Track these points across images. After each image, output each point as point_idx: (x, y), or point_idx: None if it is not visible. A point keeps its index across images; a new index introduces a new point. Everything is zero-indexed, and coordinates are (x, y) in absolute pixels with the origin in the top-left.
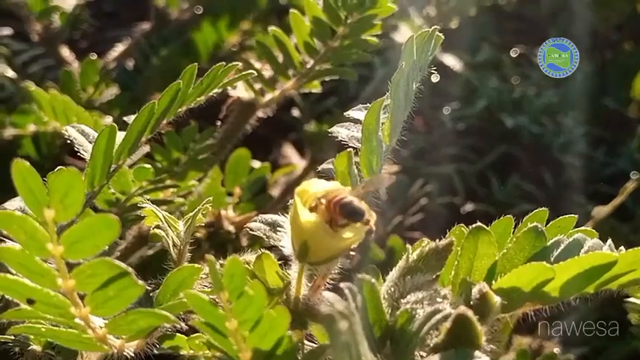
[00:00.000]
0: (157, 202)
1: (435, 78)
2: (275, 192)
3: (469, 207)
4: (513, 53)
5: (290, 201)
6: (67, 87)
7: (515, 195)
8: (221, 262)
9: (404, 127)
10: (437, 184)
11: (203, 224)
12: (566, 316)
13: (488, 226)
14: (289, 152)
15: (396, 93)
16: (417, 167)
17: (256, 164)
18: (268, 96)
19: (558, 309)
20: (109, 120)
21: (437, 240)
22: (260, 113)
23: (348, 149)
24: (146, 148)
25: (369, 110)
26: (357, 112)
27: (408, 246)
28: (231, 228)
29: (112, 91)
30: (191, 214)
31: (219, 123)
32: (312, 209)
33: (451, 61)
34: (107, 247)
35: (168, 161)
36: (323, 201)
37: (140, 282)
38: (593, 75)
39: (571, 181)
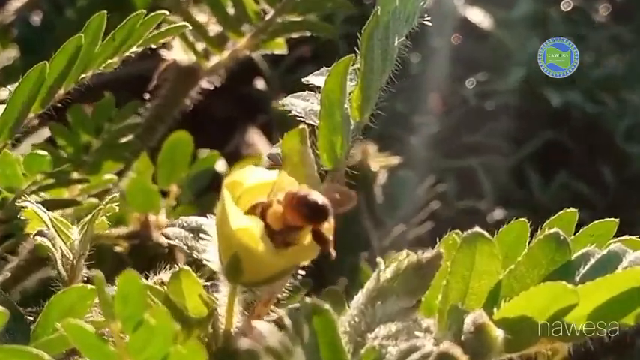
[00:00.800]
0: (58, 204)
1: (454, 39)
2: None
3: (499, 214)
4: (564, 7)
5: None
6: None
7: (563, 198)
8: None
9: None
10: (455, 183)
11: (124, 234)
12: None
13: None
14: (255, 139)
15: (369, 51)
16: (429, 160)
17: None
18: (214, 59)
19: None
20: (4, 94)
21: (419, 251)
22: (204, 82)
23: (301, 127)
24: (45, 132)
25: (330, 74)
26: (316, 77)
27: (379, 260)
28: (164, 239)
29: (10, 54)
30: (89, 216)
31: (147, 96)
32: (247, 210)
33: (478, 16)
34: None
35: (75, 147)
36: (264, 200)
37: (1, 308)
38: None
39: (638, 180)
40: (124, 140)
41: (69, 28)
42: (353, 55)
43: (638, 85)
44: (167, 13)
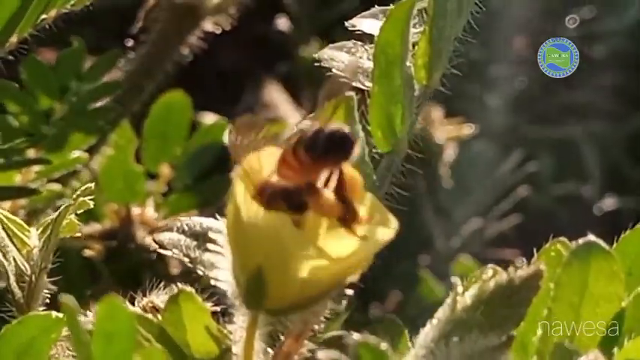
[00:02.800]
0: (7, 192)
1: None
2: None
3: (610, 203)
4: None
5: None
6: None
7: None
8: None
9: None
10: (551, 161)
11: (97, 233)
12: None
13: None
14: (275, 97)
15: None
16: (515, 128)
17: (209, 119)
18: None
19: None
20: None
21: (511, 267)
22: (208, 25)
23: (348, 94)
24: None
25: (388, 20)
26: (367, 21)
27: (456, 280)
28: (150, 241)
29: None
30: (52, 216)
31: (129, 43)
32: (269, 204)
33: None
34: None
35: (31, 115)
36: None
37: None
38: None
39: None
40: (97, 105)
41: None
42: None
43: None
44: None
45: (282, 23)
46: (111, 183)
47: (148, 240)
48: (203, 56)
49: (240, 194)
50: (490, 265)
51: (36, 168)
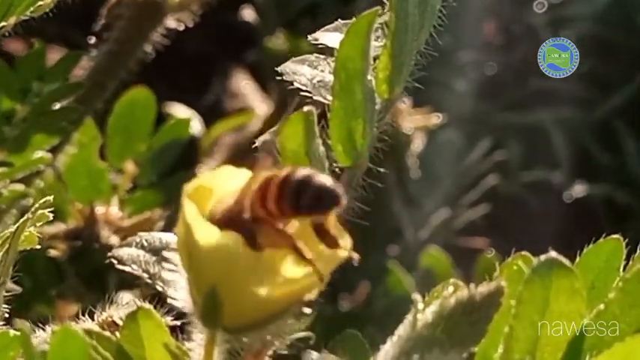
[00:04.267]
0: None
1: None
2: (213, 163)
3: (579, 190)
4: None
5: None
6: None
7: None
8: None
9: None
10: (520, 148)
11: (61, 233)
12: None
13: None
14: (243, 87)
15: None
16: (484, 115)
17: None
18: None
19: None
20: None
21: (471, 285)
22: (171, 22)
23: (307, 108)
24: None
25: (348, 35)
26: (328, 35)
27: (416, 297)
28: (115, 241)
29: None
30: (10, 229)
31: (92, 40)
32: (221, 224)
33: None
34: None
35: None
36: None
37: None
38: None
39: None
40: (60, 106)
41: None
42: (379, 6)
43: None
44: None
45: (248, 14)
46: (75, 181)
47: (113, 240)
48: (169, 46)
49: (191, 214)
50: (452, 281)
51: None
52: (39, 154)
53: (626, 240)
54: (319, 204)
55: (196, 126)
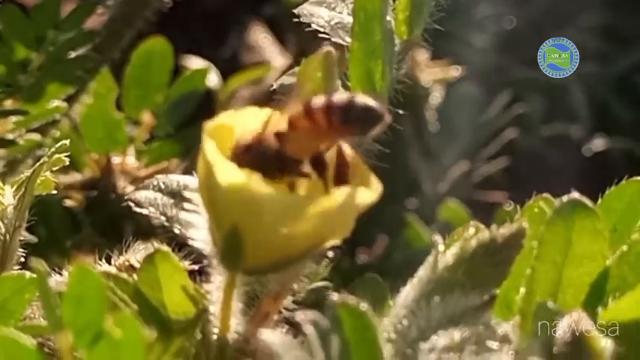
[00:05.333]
0: None
1: None
2: None
3: (599, 144)
4: None
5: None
6: None
7: None
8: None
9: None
10: (539, 101)
11: (78, 183)
12: None
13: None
14: (260, 40)
15: None
16: (503, 68)
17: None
18: None
19: None
20: None
21: (493, 227)
22: None
23: (327, 48)
24: None
25: None
26: None
27: (437, 238)
28: (131, 190)
29: None
30: (25, 173)
31: None
32: (240, 162)
33: None
34: None
35: (7, 65)
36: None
37: None
38: None
39: None
40: (76, 54)
41: None
42: None
43: None
44: None
45: None
46: (91, 132)
47: (129, 189)
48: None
49: (212, 152)
50: (472, 223)
51: (14, 118)
52: (54, 103)
53: None
54: (368, 118)
55: (213, 78)
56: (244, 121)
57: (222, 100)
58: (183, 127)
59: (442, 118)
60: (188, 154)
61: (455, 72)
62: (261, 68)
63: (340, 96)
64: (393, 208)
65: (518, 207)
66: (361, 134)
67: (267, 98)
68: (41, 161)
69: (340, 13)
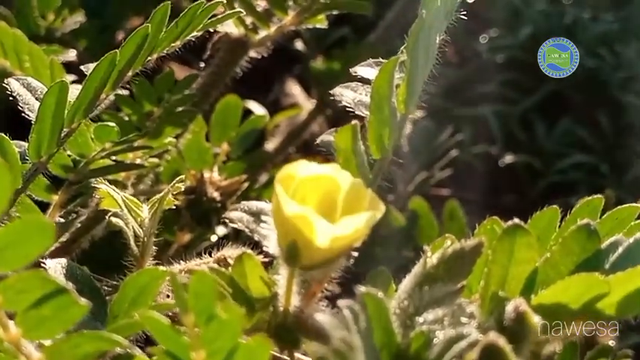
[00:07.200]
0: (124, 167)
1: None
2: (275, 141)
3: (509, 158)
4: None
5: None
6: (22, 14)
7: (566, 143)
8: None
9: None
10: (470, 130)
11: (182, 190)
12: None
13: (531, 187)
14: (293, 90)
15: (414, 48)
16: (447, 109)
17: (253, 106)
18: (262, 33)
19: None
20: (72, 54)
21: (462, 240)
22: (252, 53)
23: (353, 122)
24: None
25: (381, 71)
26: (365, 69)
27: (426, 248)
28: (216, 195)
29: (77, 18)
30: (157, 196)
31: (202, 65)
32: (301, 199)
33: None
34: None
35: (139, 115)
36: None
37: (82, 301)
38: None
39: (633, 125)
40: (181, 108)
41: None
42: (400, 54)
43: (631, 40)
44: (224, 0)
45: (299, 44)
46: (190, 156)
47: (215, 194)
48: (248, 61)
49: (280, 192)
50: (447, 235)
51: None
52: (168, 139)
53: (537, 192)
54: None
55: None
56: (302, 171)
57: (269, 131)
58: (247, 153)
59: (410, 143)
60: (250, 170)
61: (418, 113)
62: (294, 109)
63: None
64: None
65: (459, 200)
66: None
67: (300, 129)
68: (167, 189)
69: (361, 94)
